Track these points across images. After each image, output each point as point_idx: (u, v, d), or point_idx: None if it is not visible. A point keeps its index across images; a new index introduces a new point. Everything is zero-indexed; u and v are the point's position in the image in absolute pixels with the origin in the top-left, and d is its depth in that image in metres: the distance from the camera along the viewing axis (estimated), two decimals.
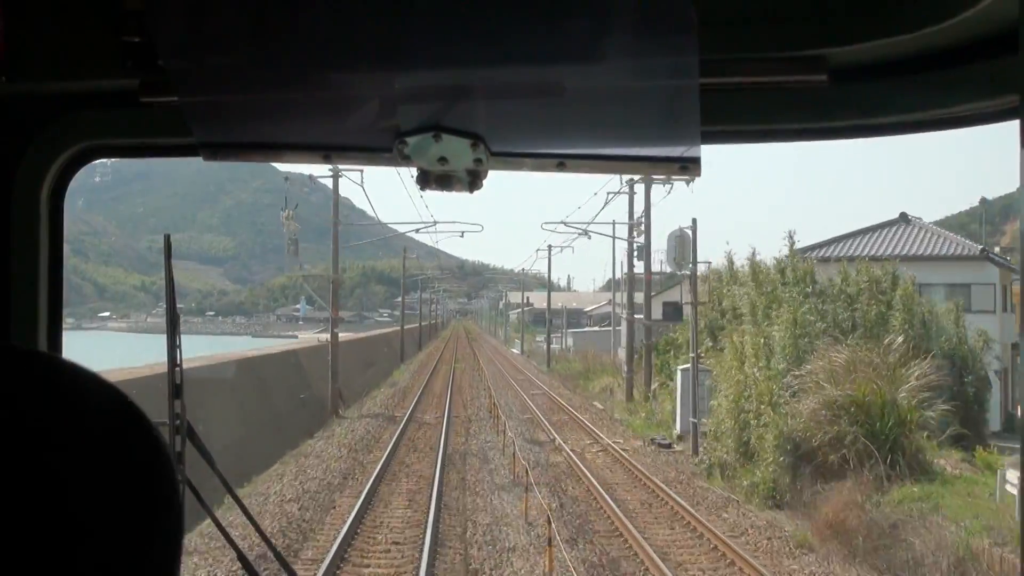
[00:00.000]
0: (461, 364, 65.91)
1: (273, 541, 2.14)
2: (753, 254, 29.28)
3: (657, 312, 34.00)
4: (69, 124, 1.72)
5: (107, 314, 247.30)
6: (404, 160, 1.42)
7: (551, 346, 73.23)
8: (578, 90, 1.38)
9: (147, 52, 1.44)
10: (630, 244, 37.89)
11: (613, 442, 26.45)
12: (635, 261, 38.35)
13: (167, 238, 1.85)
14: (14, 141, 1.70)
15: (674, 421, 28.99)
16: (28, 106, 1.69)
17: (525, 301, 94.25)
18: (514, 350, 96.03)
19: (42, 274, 1.75)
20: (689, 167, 1.41)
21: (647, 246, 35.37)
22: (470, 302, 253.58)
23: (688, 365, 28.56)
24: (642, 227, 37.91)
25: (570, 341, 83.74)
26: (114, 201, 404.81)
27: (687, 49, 1.22)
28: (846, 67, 1.42)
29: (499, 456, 24.03)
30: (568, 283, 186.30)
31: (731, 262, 31.16)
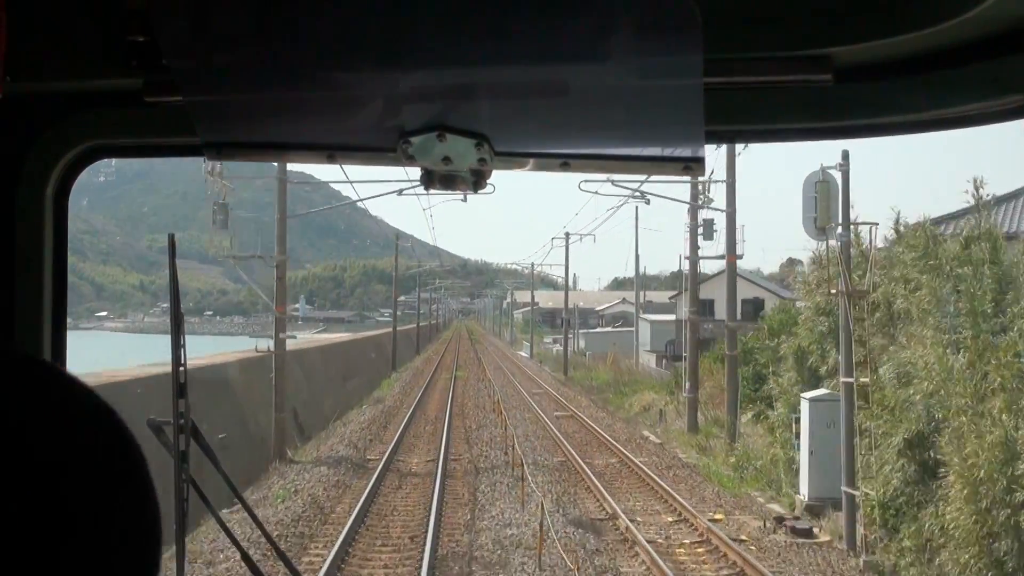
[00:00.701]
0: (464, 372, 55.28)
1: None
2: (897, 220, 18.66)
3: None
4: (73, 124, 1.71)
5: (104, 314, 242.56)
6: (408, 160, 1.42)
7: (561, 348, 63.27)
8: (582, 90, 1.38)
9: (151, 52, 1.43)
10: (694, 216, 27.35)
11: (710, 521, 15.92)
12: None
13: (171, 237, 1.84)
14: (18, 141, 1.70)
15: (793, 479, 18.57)
16: (32, 106, 1.69)
17: (532, 300, 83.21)
18: (522, 353, 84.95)
19: (47, 273, 1.74)
20: (693, 167, 1.40)
21: (730, 218, 24.82)
22: (473, 301, 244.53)
23: (818, 392, 18.18)
24: (709, 194, 27.41)
25: (582, 343, 75.02)
26: (114, 200, 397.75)
27: (691, 49, 1.21)
28: (851, 67, 1.41)
29: (530, 565, 13.51)
30: (574, 282, 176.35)
31: (850, 227, 19.86)
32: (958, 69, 1.40)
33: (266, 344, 23.66)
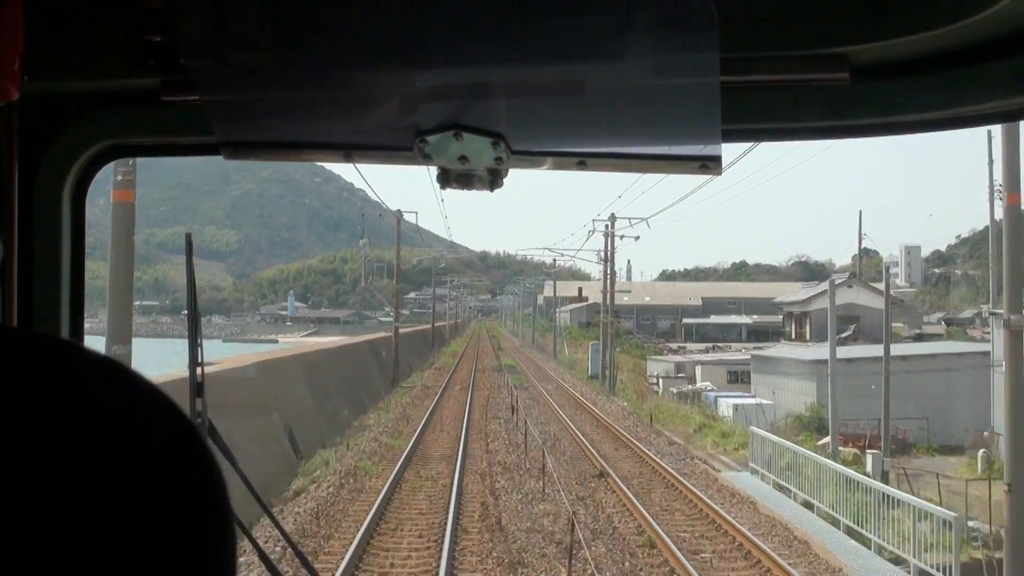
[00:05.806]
0: None
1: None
2: None
3: None
4: (91, 123, 1.80)
5: None
6: (425, 159, 1.48)
7: (728, 410, 30.30)
8: (598, 88, 1.44)
9: (169, 51, 1.50)
10: None
11: None
12: None
13: (189, 237, 1.97)
14: (36, 140, 1.78)
15: None
16: (50, 105, 1.76)
17: (576, 294, 62.42)
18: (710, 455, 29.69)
19: (64, 272, 1.82)
20: (710, 166, 1.46)
21: None
22: (494, 298, 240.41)
23: None
24: None
25: (787, 395, 37.54)
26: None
27: (707, 47, 1.26)
28: (867, 65, 1.47)
29: None
30: (628, 272, 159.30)
31: None
32: (975, 67, 1.47)
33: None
